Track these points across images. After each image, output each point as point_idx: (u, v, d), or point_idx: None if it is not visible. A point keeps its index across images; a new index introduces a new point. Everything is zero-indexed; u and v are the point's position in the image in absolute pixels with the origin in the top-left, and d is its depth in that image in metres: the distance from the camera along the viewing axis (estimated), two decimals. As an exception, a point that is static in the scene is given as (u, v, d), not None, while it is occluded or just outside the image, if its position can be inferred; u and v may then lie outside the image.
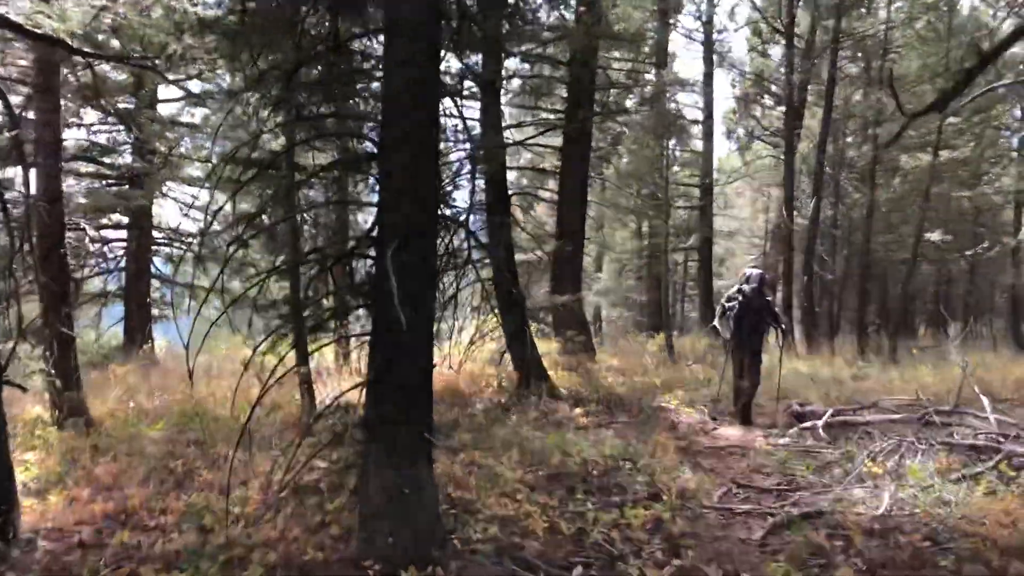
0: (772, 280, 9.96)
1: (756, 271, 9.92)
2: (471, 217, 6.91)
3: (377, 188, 4.46)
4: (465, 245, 5.82)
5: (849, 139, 23.49)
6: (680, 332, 24.96)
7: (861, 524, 4.95)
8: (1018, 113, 24.13)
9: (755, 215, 26.73)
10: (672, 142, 21.35)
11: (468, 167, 6.29)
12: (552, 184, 16.51)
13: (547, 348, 16.34)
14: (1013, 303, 25.20)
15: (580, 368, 13.83)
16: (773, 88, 23.52)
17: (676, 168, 22.85)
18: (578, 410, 9.63)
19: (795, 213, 21.50)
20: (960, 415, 7.68)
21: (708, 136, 22.67)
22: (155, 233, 17.89)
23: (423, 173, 4.24)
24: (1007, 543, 3.96)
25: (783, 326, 9.96)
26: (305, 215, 5.53)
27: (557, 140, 16.46)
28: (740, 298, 9.70)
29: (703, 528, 5.23)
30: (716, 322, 10.27)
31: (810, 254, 20.54)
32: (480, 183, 10.91)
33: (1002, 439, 6.43)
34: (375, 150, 4.52)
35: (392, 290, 3.85)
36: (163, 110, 17.09)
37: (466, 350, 11.36)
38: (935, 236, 20.57)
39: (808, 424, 8.44)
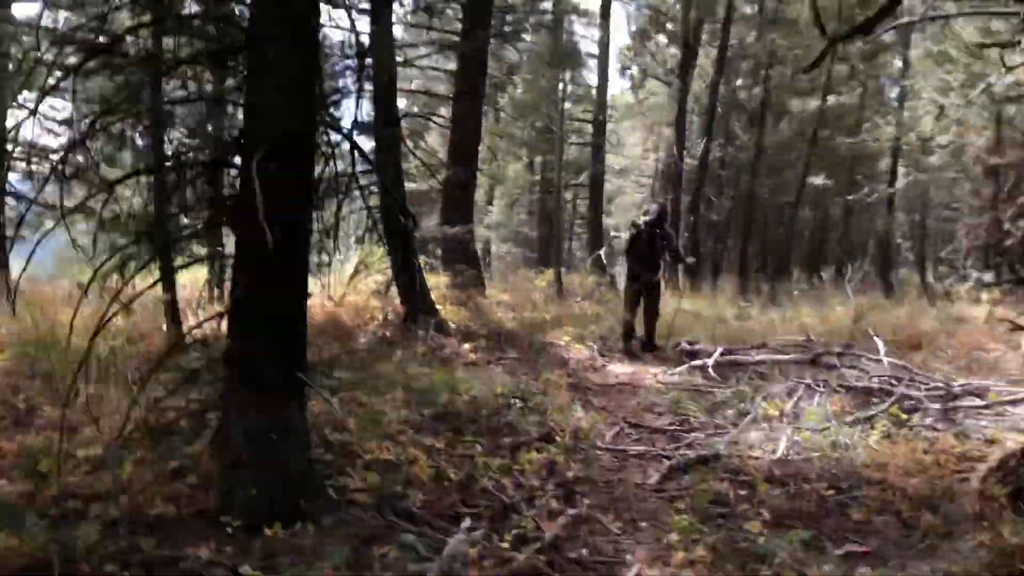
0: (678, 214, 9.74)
1: (655, 206, 9.87)
2: (356, 134, 6.29)
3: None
4: (349, 164, 5.26)
5: (740, 81, 23.54)
6: (568, 269, 24.89)
7: (760, 469, 4.73)
8: (899, 64, 24.67)
9: (645, 154, 26.67)
10: (567, 75, 20.91)
11: (354, 77, 5.62)
12: (445, 112, 15.80)
13: (436, 282, 15.80)
14: (883, 249, 26.17)
15: (470, 303, 13.40)
16: (669, 25, 23.23)
17: (569, 104, 22.46)
18: (467, 345, 9.21)
19: (685, 153, 21.49)
20: (852, 357, 7.62)
21: (603, 72, 22.28)
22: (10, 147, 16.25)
23: (301, 68, 3.62)
24: (916, 492, 3.77)
25: (685, 260, 9.91)
26: (168, 115, 4.75)
27: (452, 65, 15.72)
28: (637, 232, 9.64)
29: (597, 472, 4.92)
30: (601, 252, 10.50)
31: (698, 194, 20.63)
32: (368, 104, 10.23)
33: (895, 382, 6.37)
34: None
35: (256, 204, 3.25)
36: (18, 11, 15.40)
37: (349, 281, 10.72)
38: (818, 180, 20.97)
39: (698, 362, 8.29)
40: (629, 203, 27.90)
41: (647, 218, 9.72)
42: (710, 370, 7.90)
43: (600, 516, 4.10)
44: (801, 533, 3.50)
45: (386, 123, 10.30)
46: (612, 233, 34.60)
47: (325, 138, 5.01)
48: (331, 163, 4.62)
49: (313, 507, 3.60)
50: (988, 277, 21.85)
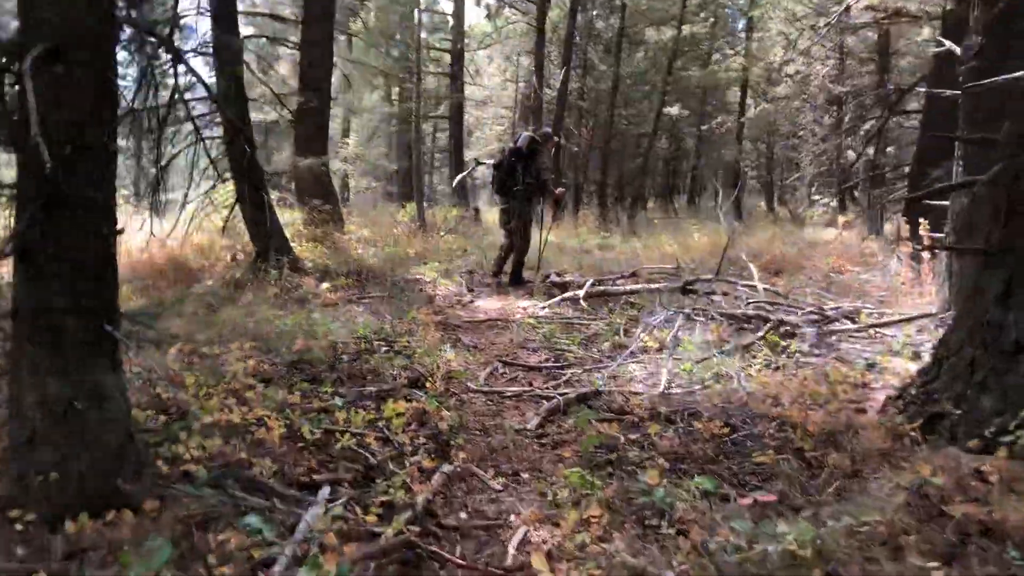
0: (550, 143, 9.15)
1: (525, 132, 9.40)
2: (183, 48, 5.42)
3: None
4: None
5: (596, 11, 23.15)
6: (430, 203, 24.16)
7: (645, 406, 4.38)
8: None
9: (505, 84, 26.05)
10: (422, 2, 19.89)
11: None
12: (294, 36, 14.63)
13: (290, 218, 14.82)
14: (734, 177, 26.80)
15: (327, 240, 12.59)
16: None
17: (425, 34, 21.47)
18: (325, 285, 8.51)
19: (544, 83, 21.02)
20: (724, 284, 7.43)
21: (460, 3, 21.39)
22: None
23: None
24: (815, 426, 3.47)
25: (550, 189, 9.20)
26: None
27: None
28: (502, 159, 9.20)
29: (472, 418, 4.44)
30: (465, 175, 9.98)
31: (558, 125, 20.24)
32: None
33: (769, 308, 6.19)
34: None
35: (31, 116, 2.49)
36: None
37: (192, 219, 9.71)
38: (673, 110, 21.00)
39: (568, 295, 7.92)
40: (491, 135, 27.31)
41: (517, 144, 9.18)
42: (581, 302, 7.55)
43: (478, 470, 3.64)
44: (701, 481, 3.13)
45: (227, 43, 9.25)
46: (474, 165, 34.09)
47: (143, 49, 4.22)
48: (147, 70, 3.82)
49: (135, 488, 2.94)
50: (833, 203, 22.75)
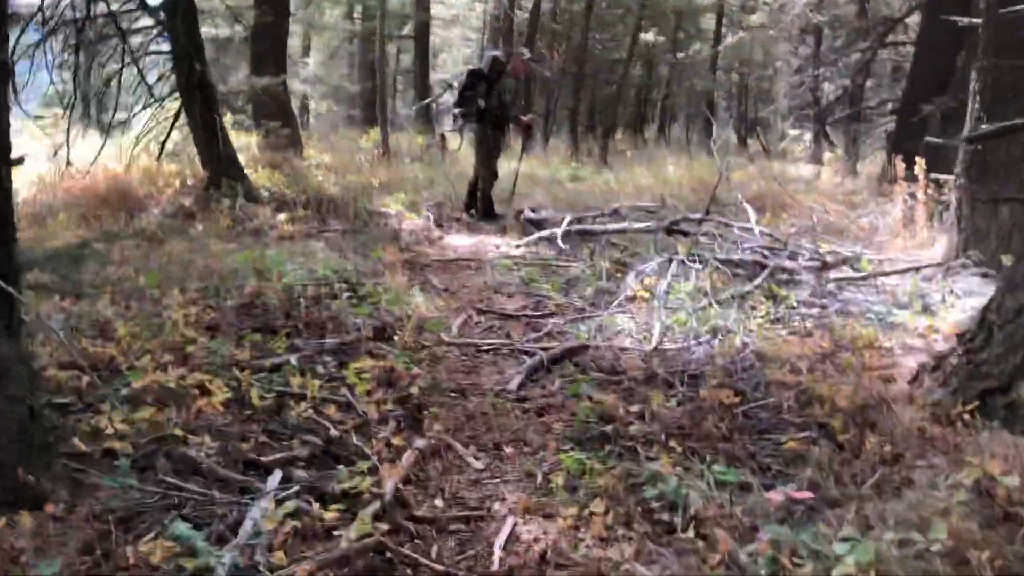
0: (517, 66, 8.54)
1: (491, 53, 8.81)
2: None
3: None
4: None
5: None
6: (394, 128, 23.22)
7: (638, 365, 3.92)
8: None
9: (472, 3, 24.91)
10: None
11: None
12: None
13: (246, 142, 13.95)
14: (709, 108, 26.14)
15: (285, 165, 11.85)
16: None
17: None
18: (282, 216, 7.88)
19: (515, 3, 20.05)
20: (717, 224, 6.88)
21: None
22: None
23: None
24: (841, 400, 3.02)
25: (515, 116, 8.67)
26: None
27: None
28: (466, 82, 8.47)
29: (446, 377, 3.95)
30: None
31: (530, 47, 19.34)
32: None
33: (767, 253, 5.72)
34: None
35: None
36: None
37: (138, 142, 8.96)
38: (649, 36, 20.20)
39: (545, 233, 7.38)
40: (458, 56, 26.24)
41: (482, 67, 8.54)
42: (559, 241, 7.01)
43: (455, 443, 3.16)
44: (718, 469, 2.68)
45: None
46: (442, 88, 32.89)
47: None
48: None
49: (42, 479, 2.41)
50: (807, 136, 22.30)
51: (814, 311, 4.81)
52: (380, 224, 8.19)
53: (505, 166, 9.65)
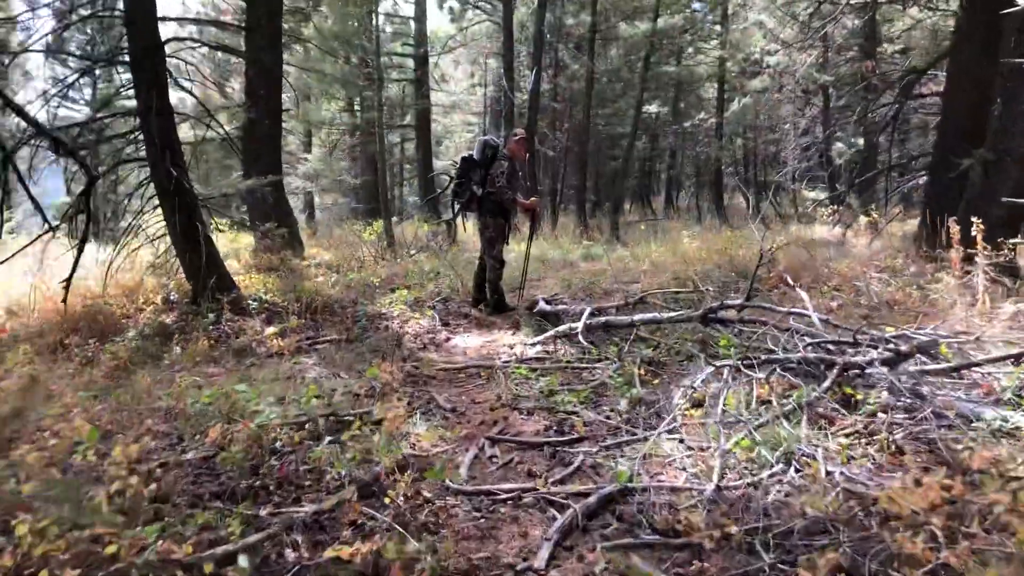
0: (514, 149, 7.85)
1: (483, 137, 8.02)
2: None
3: None
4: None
5: (565, 9, 21.77)
6: (400, 218, 22.67)
7: (703, 520, 2.99)
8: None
9: (472, 89, 24.64)
10: (380, 5, 18.44)
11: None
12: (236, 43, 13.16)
13: (243, 244, 13.36)
14: (716, 176, 25.54)
15: (283, 267, 11.17)
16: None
17: (387, 31, 20.09)
18: (271, 329, 7.06)
19: (515, 85, 19.66)
20: (763, 310, 5.95)
21: (420, 4, 19.95)
22: None
23: None
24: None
25: (510, 199, 7.78)
26: None
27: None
28: (457, 171, 7.95)
29: (453, 550, 3.02)
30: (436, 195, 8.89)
31: (531, 128, 18.87)
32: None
33: (832, 347, 4.80)
34: None
35: None
36: None
37: (112, 257, 8.24)
38: (652, 108, 19.70)
39: (563, 328, 6.50)
40: (461, 142, 25.88)
41: (474, 153, 7.89)
42: (580, 338, 6.12)
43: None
44: None
45: (143, 53, 7.75)
46: (447, 177, 32.57)
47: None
48: None
49: None
50: (823, 196, 21.55)
51: (900, 417, 3.88)
52: (381, 328, 7.35)
53: (516, 249, 8.88)
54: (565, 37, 21.10)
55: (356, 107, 20.91)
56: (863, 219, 13.00)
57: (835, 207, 12.78)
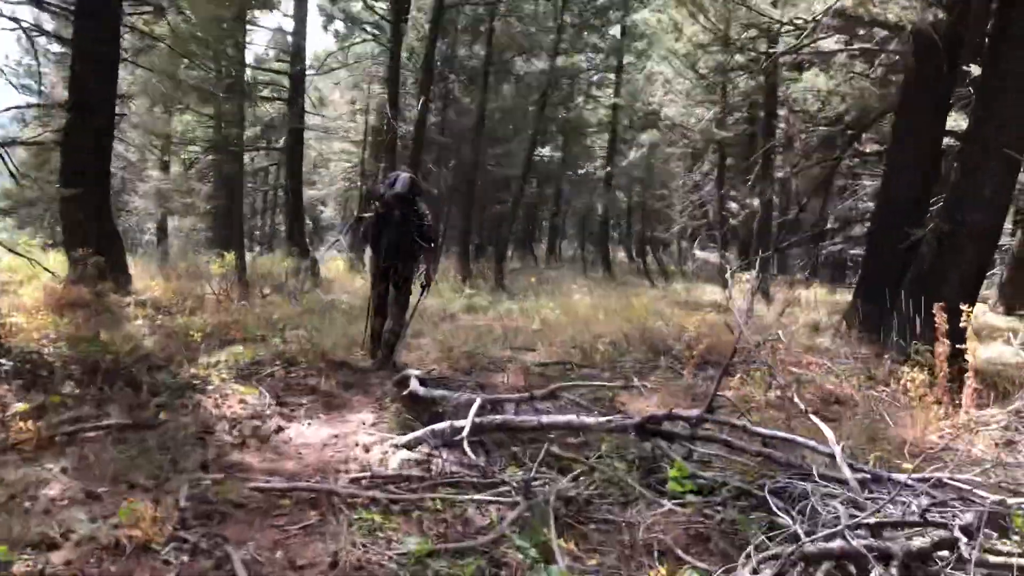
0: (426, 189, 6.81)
1: (405, 174, 7.09)
2: None
3: None
4: None
5: (459, 36, 20.14)
6: (269, 248, 20.30)
7: None
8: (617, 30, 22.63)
9: (353, 115, 22.63)
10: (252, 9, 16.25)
11: None
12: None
13: (58, 269, 10.79)
14: (603, 227, 24.35)
15: (94, 305, 8.85)
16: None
17: (255, 44, 17.89)
18: (20, 405, 4.83)
19: (399, 115, 17.82)
20: (734, 430, 4.10)
21: (300, 17, 17.87)
22: None
23: None
24: None
25: (433, 244, 7.17)
26: None
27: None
28: (379, 207, 6.97)
29: None
30: (341, 236, 7.88)
31: (415, 164, 17.04)
32: None
33: (873, 539, 3.05)
34: None
35: None
36: None
37: None
38: (546, 151, 18.28)
39: (443, 426, 4.60)
40: (336, 171, 23.69)
41: (396, 190, 6.85)
42: (466, 445, 4.23)
43: None
44: None
45: None
46: (320, 208, 30.18)
47: None
48: None
49: None
50: (711, 256, 20.62)
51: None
52: (190, 406, 5.25)
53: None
54: (457, 68, 19.45)
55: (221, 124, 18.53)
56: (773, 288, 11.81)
57: (744, 272, 11.40)
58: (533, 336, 9.37)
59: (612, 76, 23.21)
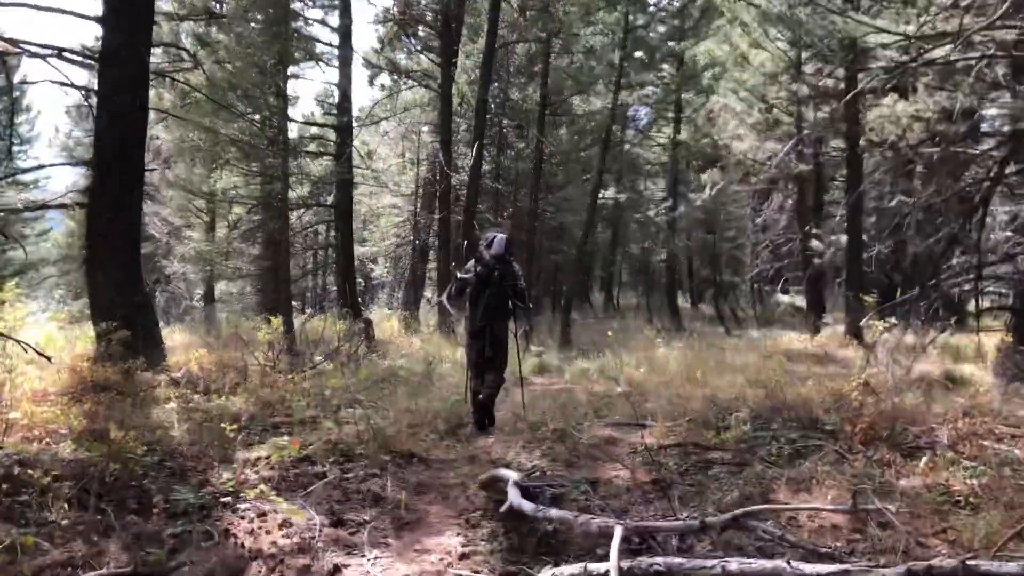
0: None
1: (501, 234, 7.16)
2: None
3: None
4: None
5: (511, 79, 18.99)
6: (322, 310, 19.17)
7: None
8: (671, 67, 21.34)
9: (403, 168, 21.60)
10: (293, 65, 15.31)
11: None
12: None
13: (81, 348, 9.62)
14: (670, 274, 22.76)
15: (125, 384, 7.66)
16: (428, 16, 18.30)
17: (298, 95, 16.88)
18: (-18, 549, 3.50)
19: (451, 162, 16.65)
20: None
21: (346, 64, 16.91)
22: None
23: None
24: None
25: (529, 306, 7.28)
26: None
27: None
28: (479, 268, 6.91)
29: None
30: (444, 298, 8.19)
31: (471, 214, 15.79)
32: None
33: None
34: None
35: None
36: None
37: None
38: (610, 192, 16.91)
39: (573, 572, 3.12)
40: (388, 227, 22.57)
41: (493, 251, 6.95)
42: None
43: None
44: None
45: None
46: (370, 267, 29.05)
47: None
48: None
49: None
50: (797, 301, 18.93)
51: None
52: (217, 536, 3.86)
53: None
54: (510, 112, 18.27)
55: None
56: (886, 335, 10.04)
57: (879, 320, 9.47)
58: (626, 404, 7.88)
59: (670, 114, 21.86)
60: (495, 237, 7.06)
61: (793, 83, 16.60)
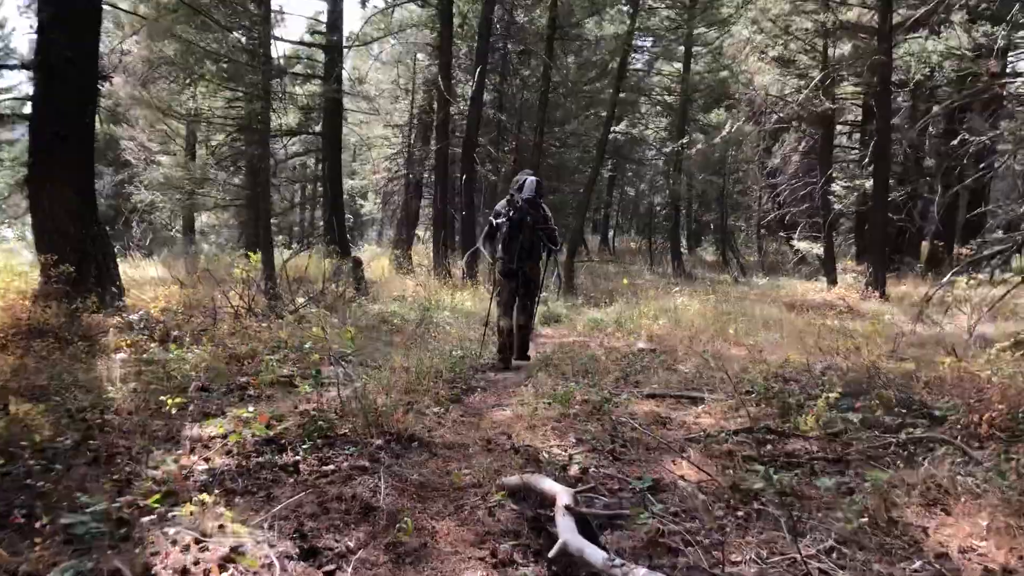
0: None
1: (532, 177, 6.92)
2: None
3: None
4: None
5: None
6: (308, 247, 17.78)
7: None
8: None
9: (396, 97, 19.94)
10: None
11: None
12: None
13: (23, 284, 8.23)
14: (675, 218, 21.28)
15: (63, 332, 6.38)
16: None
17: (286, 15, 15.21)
18: None
19: (451, 89, 15.06)
20: None
21: (337, -20, 15.19)
22: None
23: None
24: None
25: (557, 249, 7.23)
26: None
27: None
28: (511, 211, 6.82)
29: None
30: (480, 243, 7.79)
31: (470, 146, 14.32)
32: None
33: None
34: None
35: None
36: None
37: None
38: (622, 126, 15.41)
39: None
40: (379, 158, 20.99)
41: (524, 194, 6.84)
42: None
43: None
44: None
45: None
46: (360, 202, 27.47)
47: None
48: None
49: None
50: (816, 249, 17.67)
51: None
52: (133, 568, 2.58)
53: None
54: (516, 35, 16.61)
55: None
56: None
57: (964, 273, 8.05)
58: (657, 365, 6.63)
59: (681, 48, 20.16)
60: (526, 180, 6.94)
61: (821, 13, 15.05)
